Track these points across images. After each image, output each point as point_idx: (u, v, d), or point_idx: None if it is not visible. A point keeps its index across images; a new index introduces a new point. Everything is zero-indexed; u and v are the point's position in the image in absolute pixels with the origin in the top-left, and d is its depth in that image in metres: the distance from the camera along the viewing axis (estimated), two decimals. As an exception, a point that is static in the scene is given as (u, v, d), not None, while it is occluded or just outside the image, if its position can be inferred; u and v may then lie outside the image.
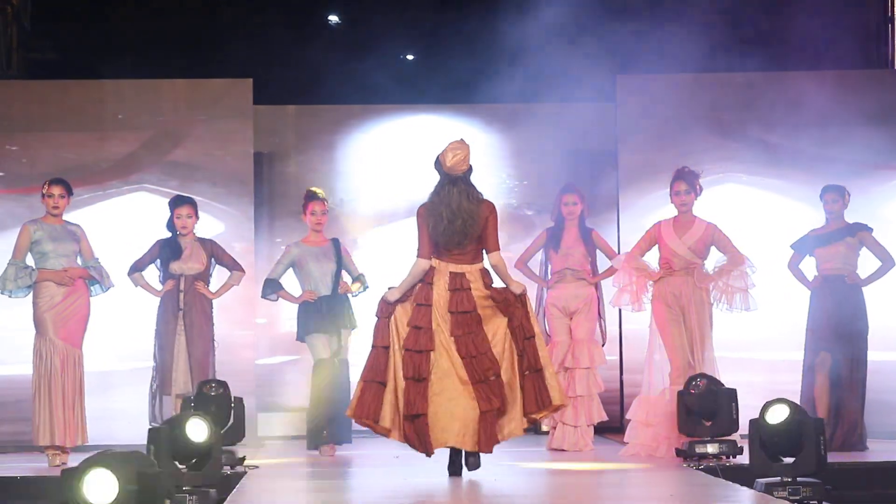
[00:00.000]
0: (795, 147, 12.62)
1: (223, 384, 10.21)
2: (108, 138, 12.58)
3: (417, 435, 8.90)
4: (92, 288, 10.67)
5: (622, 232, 12.61)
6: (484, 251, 9.07)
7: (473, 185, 9.08)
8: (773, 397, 8.57)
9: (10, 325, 11.91)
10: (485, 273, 9.08)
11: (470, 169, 9.09)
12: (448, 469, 9.09)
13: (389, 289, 9.11)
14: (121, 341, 12.17)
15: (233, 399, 10.18)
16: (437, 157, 9.12)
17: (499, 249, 9.05)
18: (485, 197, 9.10)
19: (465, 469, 9.05)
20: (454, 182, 9.02)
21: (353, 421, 9.32)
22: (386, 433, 9.06)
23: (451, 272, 9.01)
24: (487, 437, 8.85)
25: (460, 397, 8.87)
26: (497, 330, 8.99)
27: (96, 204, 12.50)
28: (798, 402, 10.45)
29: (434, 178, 9.20)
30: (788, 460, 8.44)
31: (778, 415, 8.40)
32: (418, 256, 9.08)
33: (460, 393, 8.87)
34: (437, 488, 8.81)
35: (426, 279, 9.03)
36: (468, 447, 8.90)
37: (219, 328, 11.16)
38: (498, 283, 9.15)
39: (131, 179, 12.57)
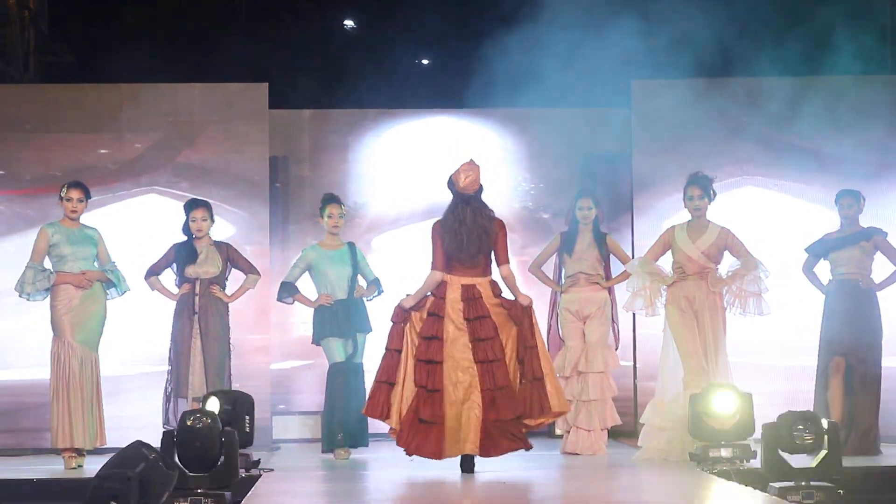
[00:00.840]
0: (810, 151, 12.60)
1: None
2: (124, 141, 12.62)
3: (427, 440, 9.47)
4: (108, 291, 10.71)
5: (636, 236, 12.60)
6: (494, 263, 9.78)
7: (484, 203, 9.78)
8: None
9: (25, 328, 11.95)
10: (494, 284, 9.77)
11: (481, 188, 9.77)
12: (461, 466, 9.59)
13: (407, 296, 9.79)
14: (136, 344, 12.19)
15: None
16: (451, 177, 9.83)
17: (508, 262, 9.75)
18: (495, 214, 9.79)
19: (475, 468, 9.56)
20: (467, 201, 9.71)
21: (368, 419, 10.12)
22: (393, 434, 9.72)
23: (462, 284, 9.69)
24: (490, 444, 9.47)
25: (470, 404, 9.49)
26: (508, 338, 9.66)
27: (111, 206, 12.51)
28: (812, 407, 10.53)
29: (445, 188, 9.82)
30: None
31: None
32: (433, 269, 9.74)
33: (470, 400, 9.50)
34: (451, 491, 8.84)
35: (439, 293, 9.70)
36: (469, 451, 9.43)
37: (234, 332, 11.18)
38: (507, 294, 9.79)
39: (146, 182, 12.59)
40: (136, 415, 12.07)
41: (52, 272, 10.54)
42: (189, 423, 8.53)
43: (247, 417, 9.85)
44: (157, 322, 11.33)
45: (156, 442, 8.18)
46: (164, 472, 7.21)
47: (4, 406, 12.32)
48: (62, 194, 10.64)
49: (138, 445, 7.33)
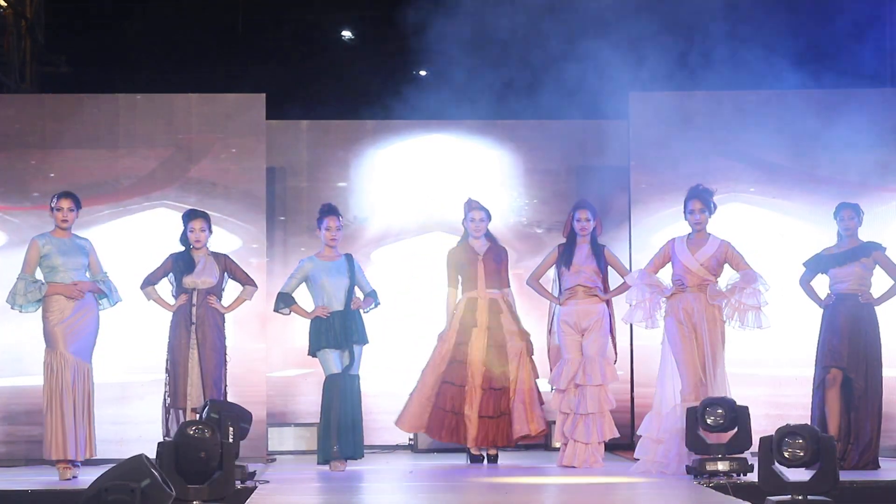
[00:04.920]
0: (807, 164, 12.60)
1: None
2: (121, 153, 12.60)
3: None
4: (100, 302, 10.67)
5: (633, 249, 12.59)
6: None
7: None
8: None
9: (18, 338, 11.93)
10: None
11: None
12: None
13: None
14: (132, 354, 12.18)
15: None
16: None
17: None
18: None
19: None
20: None
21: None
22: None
23: None
24: None
25: None
26: None
27: (108, 216, 12.50)
28: (809, 420, 10.50)
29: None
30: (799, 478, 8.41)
31: None
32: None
33: None
34: (448, 502, 8.82)
35: None
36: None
37: (230, 343, 11.15)
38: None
39: (143, 194, 12.57)
40: (131, 425, 12.05)
41: (43, 283, 10.49)
42: (190, 432, 8.23)
43: (231, 428, 9.57)
44: (153, 332, 11.30)
45: (152, 453, 8.10)
46: (165, 491, 6.88)
47: (-2, 417, 12.32)
48: (52, 204, 10.61)
49: (143, 459, 6.95)
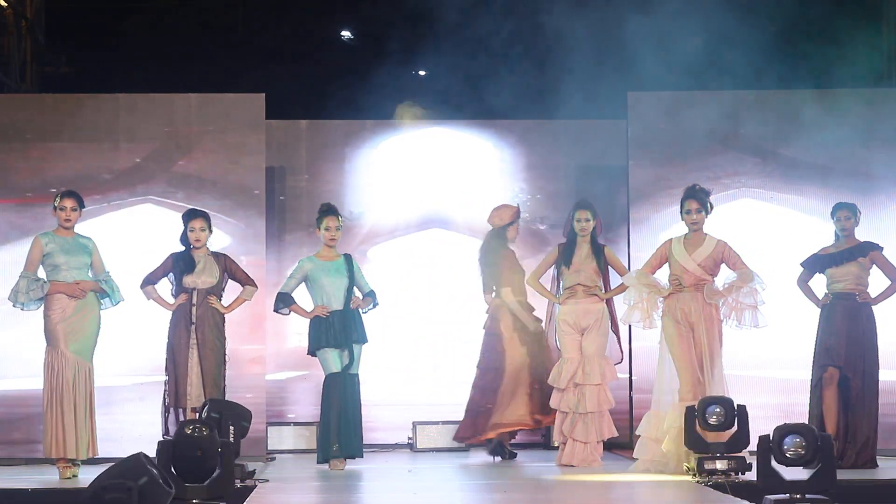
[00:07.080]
0: (806, 163, 12.60)
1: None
2: (121, 152, 12.61)
3: None
4: (102, 301, 10.68)
5: (633, 248, 12.59)
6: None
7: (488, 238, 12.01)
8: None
9: (19, 337, 11.94)
10: None
11: (504, 224, 11.90)
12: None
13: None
14: (131, 354, 12.18)
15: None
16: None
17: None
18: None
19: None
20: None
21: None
22: None
23: None
24: None
25: None
26: None
27: (107, 217, 12.51)
28: (807, 419, 10.51)
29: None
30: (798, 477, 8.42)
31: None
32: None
33: None
34: (447, 501, 8.83)
35: None
36: None
37: (230, 342, 11.17)
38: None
39: (143, 193, 12.57)
40: (131, 425, 12.06)
41: (45, 282, 10.52)
42: (188, 432, 8.05)
43: (231, 427, 9.63)
44: (153, 332, 11.32)
45: (153, 452, 8.11)
46: (163, 488, 6.94)
47: (-2, 416, 12.33)
48: (56, 203, 10.63)
49: (141, 457, 7.00)
